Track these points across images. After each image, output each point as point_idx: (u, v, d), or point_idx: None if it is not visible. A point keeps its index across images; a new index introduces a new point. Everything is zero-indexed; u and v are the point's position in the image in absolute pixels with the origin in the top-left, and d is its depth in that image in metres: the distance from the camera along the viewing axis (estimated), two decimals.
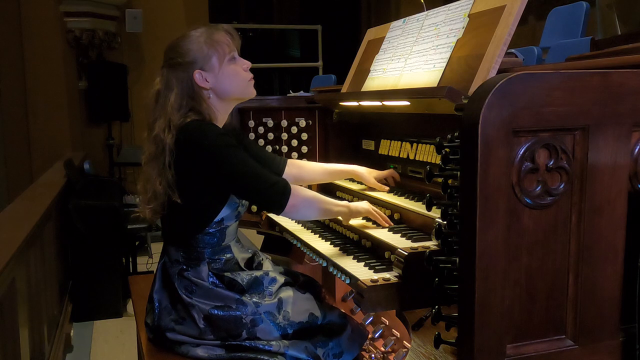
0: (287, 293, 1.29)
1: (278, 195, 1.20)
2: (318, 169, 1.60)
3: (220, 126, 1.31)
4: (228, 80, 1.27)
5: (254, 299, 1.25)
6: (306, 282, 1.39)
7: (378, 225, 1.32)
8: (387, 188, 1.53)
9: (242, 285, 1.26)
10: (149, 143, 1.24)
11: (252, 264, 1.36)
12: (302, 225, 1.57)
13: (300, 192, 1.24)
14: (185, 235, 1.27)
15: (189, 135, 1.20)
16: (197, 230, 1.26)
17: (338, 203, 1.33)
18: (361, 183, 1.62)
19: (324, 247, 1.35)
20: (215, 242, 1.28)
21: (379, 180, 1.55)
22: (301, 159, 1.94)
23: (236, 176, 1.20)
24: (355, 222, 1.36)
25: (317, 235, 1.45)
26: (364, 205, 1.33)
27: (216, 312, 1.22)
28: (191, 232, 1.26)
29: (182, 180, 1.22)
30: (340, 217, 1.35)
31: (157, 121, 1.23)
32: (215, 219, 1.25)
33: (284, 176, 1.51)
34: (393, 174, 1.56)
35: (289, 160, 1.56)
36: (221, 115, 1.32)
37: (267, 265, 1.39)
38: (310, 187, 1.86)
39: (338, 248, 1.33)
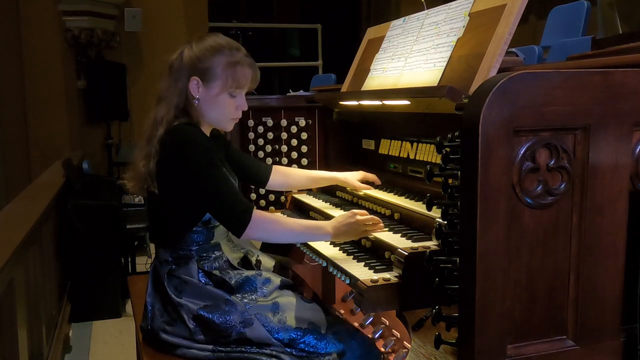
0: (287, 299, 1.27)
1: (235, 223, 1.19)
2: (302, 176, 1.62)
3: (208, 131, 1.32)
4: (212, 106, 1.28)
5: (244, 300, 1.24)
6: (304, 288, 1.37)
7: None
8: (369, 187, 1.54)
9: (230, 284, 1.25)
10: (150, 120, 1.26)
11: (249, 264, 1.35)
12: None
13: (261, 223, 1.19)
14: (172, 235, 1.28)
15: (174, 140, 1.22)
16: (185, 230, 1.26)
17: (316, 230, 1.24)
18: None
19: (324, 247, 1.35)
20: (204, 240, 1.28)
21: (363, 182, 1.56)
22: (301, 159, 1.94)
23: (203, 194, 1.21)
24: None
25: None
26: (349, 224, 1.21)
27: (204, 313, 1.21)
28: (179, 232, 1.27)
29: (164, 178, 1.24)
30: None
31: (161, 102, 1.25)
32: (203, 219, 1.26)
33: (270, 183, 1.56)
34: (376, 179, 1.57)
35: (274, 167, 1.58)
36: (205, 124, 1.32)
37: (265, 263, 1.38)
38: (311, 190, 1.86)
39: (338, 248, 1.32)
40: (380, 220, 1.26)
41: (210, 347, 1.21)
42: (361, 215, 1.24)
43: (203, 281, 1.26)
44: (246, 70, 1.27)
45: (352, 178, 1.57)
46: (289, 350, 1.21)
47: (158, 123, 1.24)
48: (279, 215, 1.31)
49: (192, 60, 1.25)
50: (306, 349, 1.22)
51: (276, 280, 1.31)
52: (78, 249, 2.80)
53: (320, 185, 1.68)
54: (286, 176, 1.59)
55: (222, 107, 1.28)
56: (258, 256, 1.39)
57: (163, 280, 1.26)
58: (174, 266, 1.27)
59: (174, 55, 1.29)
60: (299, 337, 1.22)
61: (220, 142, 1.45)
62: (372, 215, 1.25)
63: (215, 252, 1.30)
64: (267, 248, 1.74)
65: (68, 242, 2.82)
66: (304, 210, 1.72)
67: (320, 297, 1.57)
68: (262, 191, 1.91)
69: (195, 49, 1.26)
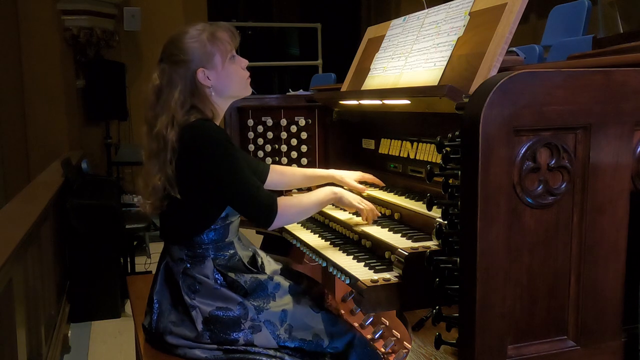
0: (296, 307, 1.26)
1: (265, 215, 1.22)
2: (298, 175, 1.63)
3: (218, 122, 1.33)
4: (229, 79, 1.29)
5: (256, 304, 1.24)
6: (314, 292, 1.36)
7: (376, 220, 1.33)
8: (364, 188, 1.54)
9: (244, 288, 1.25)
10: (149, 140, 1.25)
11: (255, 264, 1.35)
12: (301, 225, 1.56)
13: (286, 210, 1.24)
14: (189, 234, 1.27)
15: (194, 137, 1.21)
16: (203, 228, 1.26)
17: (327, 197, 1.34)
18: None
19: (324, 247, 1.35)
20: (220, 238, 1.28)
21: (362, 183, 1.56)
22: (300, 158, 1.94)
23: (232, 189, 1.21)
24: (345, 216, 1.39)
25: (317, 235, 1.45)
26: (355, 199, 1.35)
27: (217, 313, 1.21)
28: (196, 231, 1.26)
29: (184, 178, 1.22)
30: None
31: (159, 118, 1.23)
32: (221, 216, 1.26)
33: (267, 182, 1.56)
34: (375, 180, 1.57)
35: (271, 166, 1.59)
36: (221, 112, 1.34)
37: (270, 266, 1.38)
38: (311, 189, 1.85)
39: (338, 248, 1.32)
40: (375, 216, 1.34)
41: (214, 346, 1.20)
42: (366, 205, 1.35)
43: (219, 281, 1.25)
44: (223, 32, 1.29)
45: (348, 177, 1.56)
46: (291, 353, 1.22)
47: (166, 131, 1.20)
48: (295, 198, 1.36)
49: (186, 59, 1.24)
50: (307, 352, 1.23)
51: (286, 285, 1.31)
52: (77, 249, 2.79)
53: (317, 183, 1.68)
54: (283, 175, 1.59)
55: (234, 74, 1.30)
56: (262, 258, 1.39)
57: (177, 279, 1.25)
58: (188, 265, 1.26)
59: (155, 80, 1.26)
60: (302, 347, 1.23)
61: None
62: (367, 215, 1.33)
63: (230, 250, 1.30)
64: (267, 248, 1.74)
65: (67, 242, 2.82)
66: None
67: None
68: None
69: (178, 51, 1.25)
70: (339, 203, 1.36)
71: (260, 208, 1.21)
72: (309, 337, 1.24)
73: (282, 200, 1.24)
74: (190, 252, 1.27)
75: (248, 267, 1.31)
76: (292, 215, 1.28)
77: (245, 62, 1.33)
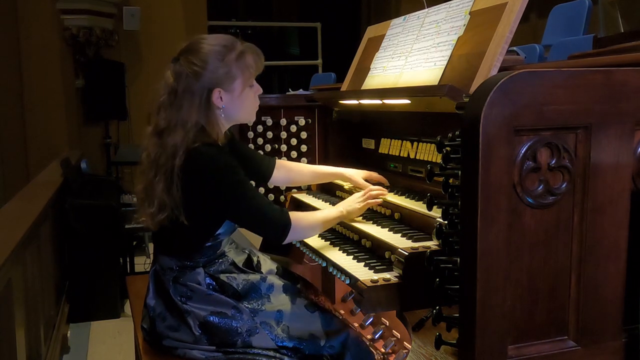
0: (291, 307, 1.26)
1: (278, 233, 1.22)
2: (306, 171, 1.60)
3: (219, 141, 1.28)
4: (241, 106, 1.25)
5: (250, 307, 1.23)
6: (308, 293, 1.35)
7: (376, 220, 1.32)
8: (378, 188, 1.52)
9: (237, 290, 1.25)
10: (155, 145, 1.18)
11: (251, 264, 1.35)
12: None
13: (298, 224, 1.23)
14: (182, 249, 1.25)
15: (200, 165, 1.16)
16: (196, 246, 1.25)
17: (334, 215, 1.32)
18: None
19: (324, 247, 1.35)
20: (211, 252, 1.27)
21: (368, 181, 1.54)
22: (300, 158, 1.93)
23: (243, 214, 1.21)
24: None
25: (317, 235, 1.44)
26: (357, 202, 1.35)
27: (212, 318, 1.20)
28: (189, 248, 1.25)
29: (189, 203, 1.19)
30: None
31: (172, 131, 1.16)
32: (215, 234, 1.25)
33: (272, 178, 1.53)
34: (381, 179, 1.55)
35: (277, 162, 1.55)
36: (224, 131, 1.30)
37: (266, 265, 1.37)
38: (309, 187, 1.86)
39: (338, 248, 1.32)
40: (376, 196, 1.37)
41: (213, 347, 1.20)
42: (368, 197, 1.36)
43: (211, 285, 1.25)
44: (252, 55, 1.24)
45: (357, 175, 1.55)
46: (289, 353, 1.22)
47: (176, 150, 1.15)
48: (306, 214, 1.34)
49: (206, 74, 1.17)
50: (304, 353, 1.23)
51: (280, 285, 1.30)
52: (76, 249, 2.79)
53: (325, 180, 1.66)
54: (290, 171, 1.56)
55: (248, 103, 1.26)
56: (258, 257, 1.38)
57: (168, 287, 1.24)
58: (178, 273, 1.25)
59: (169, 80, 1.19)
60: (300, 347, 1.23)
61: (228, 142, 1.39)
62: (373, 199, 1.36)
63: (222, 258, 1.29)
64: (268, 248, 1.73)
65: (66, 242, 2.81)
66: (304, 210, 1.71)
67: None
68: (261, 190, 1.90)
69: (199, 63, 1.17)
70: (348, 219, 1.34)
71: (273, 226, 1.21)
72: (305, 336, 1.24)
73: (294, 216, 1.23)
74: (181, 262, 1.25)
75: (241, 268, 1.30)
76: (303, 231, 1.27)
77: (259, 91, 1.29)
